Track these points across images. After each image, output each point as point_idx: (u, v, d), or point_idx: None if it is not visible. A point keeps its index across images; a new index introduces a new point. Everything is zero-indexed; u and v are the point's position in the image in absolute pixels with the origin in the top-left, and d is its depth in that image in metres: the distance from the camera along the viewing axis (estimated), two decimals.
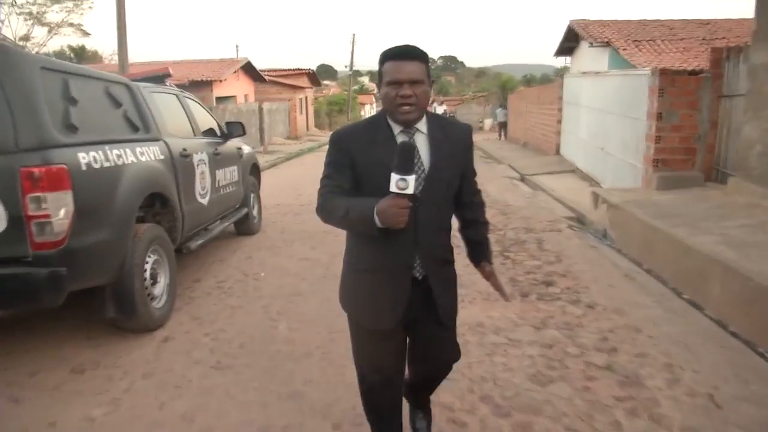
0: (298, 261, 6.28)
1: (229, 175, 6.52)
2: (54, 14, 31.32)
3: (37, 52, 32.05)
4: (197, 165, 5.47)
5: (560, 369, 3.63)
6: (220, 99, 23.41)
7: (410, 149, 2.03)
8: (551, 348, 3.93)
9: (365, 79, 77.60)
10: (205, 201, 5.63)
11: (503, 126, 28.87)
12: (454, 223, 2.43)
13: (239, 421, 3.12)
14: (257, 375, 3.61)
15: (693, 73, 8.62)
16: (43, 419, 3.17)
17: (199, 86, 21.52)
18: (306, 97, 36.15)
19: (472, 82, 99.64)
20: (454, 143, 2.27)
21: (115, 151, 3.97)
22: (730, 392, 3.34)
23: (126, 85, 4.65)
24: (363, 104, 55.20)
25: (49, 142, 3.35)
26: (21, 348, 4.08)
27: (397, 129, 2.18)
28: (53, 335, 4.26)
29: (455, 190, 2.33)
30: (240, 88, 26.86)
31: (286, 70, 35.31)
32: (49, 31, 32.16)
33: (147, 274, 4.27)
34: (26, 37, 31.28)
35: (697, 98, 8.24)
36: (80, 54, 49.11)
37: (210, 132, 6.51)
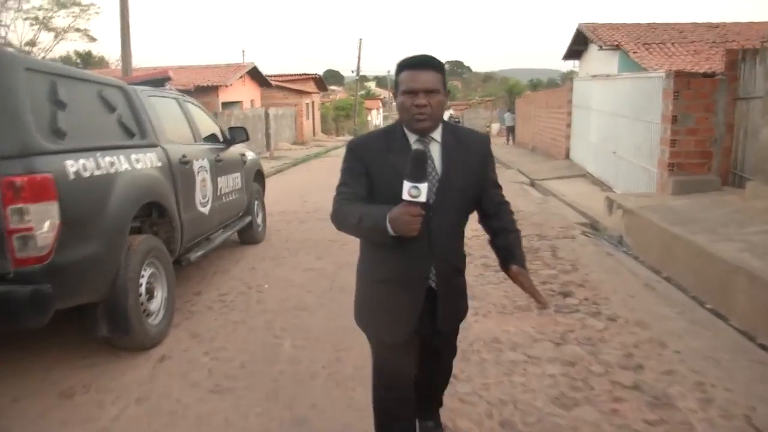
0: (303, 272, 6.03)
1: (231, 182, 6.29)
2: (60, 19, 31.30)
3: (44, 58, 32.06)
4: (198, 172, 5.24)
5: (585, 390, 3.37)
6: (226, 104, 23.23)
7: (422, 157, 2.03)
8: (574, 366, 3.67)
9: (372, 84, 77.56)
10: (206, 210, 5.39)
11: (511, 130, 28.60)
12: (482, 230, 2.44)
13: None
14: (259, 399, 3.36)
15: (707, 75, 8.35)
16: None
17: (204, 91, 21.36)
18: (312, 103, 35.97)
19: (479, 87, 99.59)
20: (469, 152, 2.27)
21: (108, 159, 3.74)
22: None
23: (121, 88, 4.42)
24: (369, 109, 55.08)
25: (33, 149, 3.11)
26: (6, 369, 3.82)
27: (412, 138, 2.20)
28: (44, 355, 4.01)
29: (471, 200, 2.32)
30: (246, 94, 26.69)
31: (292, 75, 35.15)
32: (56, 37, 32.12)
33: (142, 289, 4.04)
34: (32, 43, 31.25)
35: (712, 101, 7.99)
36: (87, 59, 49.15)
37: (212, 138, 6.29)
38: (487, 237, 2.48)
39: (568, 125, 15.85)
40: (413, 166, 1.97)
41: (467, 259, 2.47)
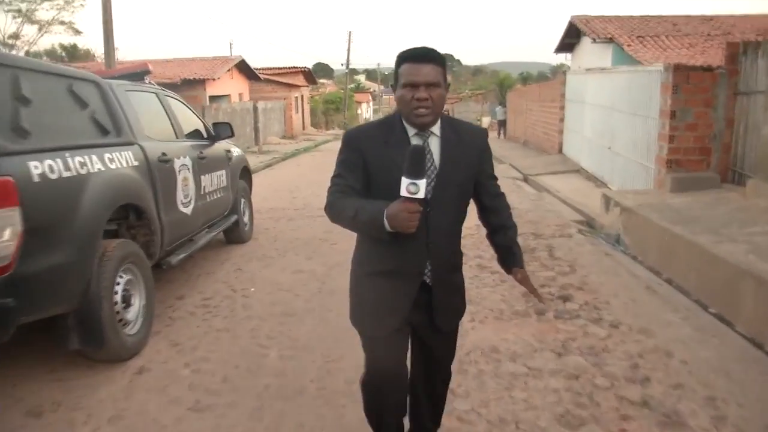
0: (291, 274, 5.78)
1: (216, 180, 6.03)
2: (44, 12, 30.77)
3: (27, 51, 31.52)
4: (179, 170, 4.98)
5: (590, 407, 3.15)
6: (213, 98, 22.88)
7: (421, 153, 1.99)
8: (577, 379, 3.46)
9: (362, 78, 77.11)
10: (188, 210, 5.13)
11: (502, 124, 28.38)
12: (475, 229, 2.18)
13: None
14: (241, 418, 3.12)
15: (707, 69, 8.14)
16: None
17: (191, 85, 21.01)
18: (302, 96, 35.60)
19: (469, 80, 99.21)
20: (468, 146, 2.23)
21: (78, 159, 3.48)
22: None
23: (94, 82, 4.14)
24: (359, 103, 54.71)
25: None
26: None
27: (411, 131, 2.16)
28: (10, 368, 3.73)
29: (468, 195, 2.30)
30: (234, 87, 26.31)
31: (281, 68, 34.74)
32: (40, 29, 31.58)
33: (118, 297, 3.78)
34: (16, 36, 30.72)
35: (712, 95, 7.78)
36: (72, 53, 48.52)
37: (196, 134, 6.02)
38: (482, 234, 2.45)
39: (561, 119, 15.63)
40: (411, 163, 1.93)
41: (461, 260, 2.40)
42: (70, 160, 3.39)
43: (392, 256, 2.17)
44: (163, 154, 4.69)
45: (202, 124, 6.28)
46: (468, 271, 5.69)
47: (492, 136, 29.83)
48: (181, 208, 4.99)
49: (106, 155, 3.82)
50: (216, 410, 3.21)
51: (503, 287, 5.23)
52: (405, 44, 2.24)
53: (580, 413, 3.09)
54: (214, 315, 4.69)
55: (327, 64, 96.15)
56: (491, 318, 4.48)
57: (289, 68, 35.15)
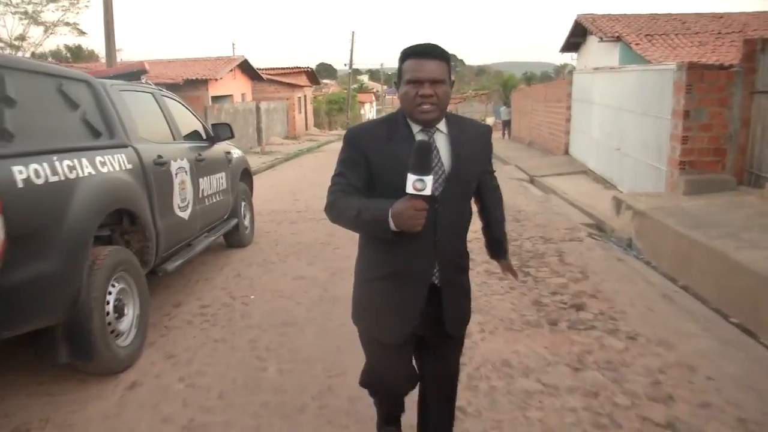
0: (292, 280, 5.58)
1: (215, 183, 5.84)
2: (50, 13, 30.81)
3: (33, 53, 31.51)
4: (176, 173, 4.79)
5: (612, 429, 2.94)
6: (216, 98, 22.70)
7: (428, 148, 1.90)
8: (596, 397, 3.24)
9: (365, 78, 76.92)
10: (185, 214, 4.94)
11: (507, 124, 28.12)
12: (477, 235, 2.38)
13: None
14: None
15: (723, 67, 7.91)
16: None
17: (194, 85, 20.83)
18: (305, 96, 35.41)
19: (472, 80, 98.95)
20: (474, 143, 2.20)
21: (67, 162, 3.28)
22: None
23: (86, 82, 3.95)
24: (363, 103, 54.48)
25: None
26: None
27: (416, 128, 2.10)
28: None
29: (473, 192, 2.28)
30: (237, 87, 26.13)
31: (284, 68, 34.56)
32: (45, 31, 31.57)
33: (110, 307, 3.59)
34: (22, 37, 30.70)
35: (727, 95, 7.55)
36: (77, 53, 48.53)
37: (194, 135, 5.83)
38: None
39: (568, 120, 15.41)
40: (418, 158, 1.85)
41: (469, 264, 2.36)
42: (57, 164, 3.20)
43: (398, 257, 2.10)
44: (159, 156, 4.50)
45: (201, 125, 6.08)
46: (475, 277, 5.50)
47: (496, 136, 29.64)
48: (178, 213, 4.80)
49: (98, 158, 3.63)
50: (211, 430, 3.01)
51: (513, 295, 5.02)
52: (408, 44, 2.09)
53: None
54: (211, 324, 4.50)
55: (330, 65, 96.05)
56: (501, 328, 4.27)
57: (292, 68, 34.97)
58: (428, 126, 2.09)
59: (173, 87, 19.51)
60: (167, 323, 4.52)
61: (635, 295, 5.02)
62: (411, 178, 1.84)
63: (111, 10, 13.23)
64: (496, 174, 2.48)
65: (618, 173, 10.77)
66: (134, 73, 5.21)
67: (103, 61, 33.32)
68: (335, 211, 2.08)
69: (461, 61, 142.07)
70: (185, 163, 5.02)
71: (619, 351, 3.87)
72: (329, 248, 6.66)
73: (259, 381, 3.54)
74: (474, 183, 2.24)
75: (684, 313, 4.60)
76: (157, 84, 5.70)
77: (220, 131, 6.15)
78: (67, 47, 49.33)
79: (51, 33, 31.88)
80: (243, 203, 6.94)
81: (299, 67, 35.71)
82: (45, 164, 3.09)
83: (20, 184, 2.87)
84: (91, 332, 3.31)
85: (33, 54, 30.76)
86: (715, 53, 14.36)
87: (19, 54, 27.31)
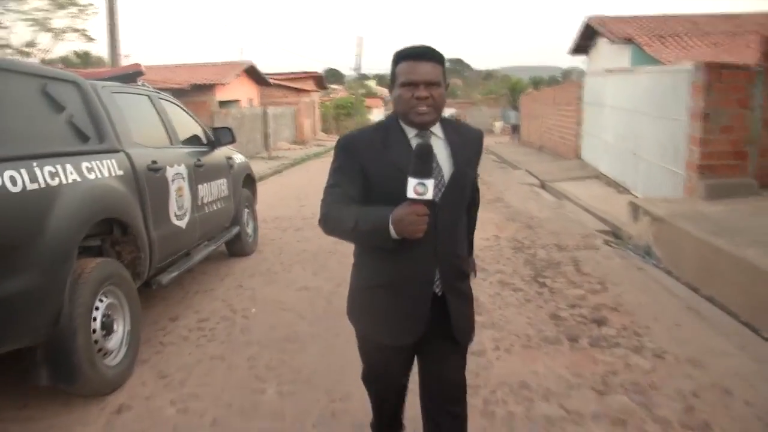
0: (296, 291, 5.31)
1: (216, 189, 5.59)
2: (59, 20, 30.91)
3: (42, 59, 31.58)
4: (172, 180, 4.54)
5: None
6: (223, 103, 22.50)
7: (428, 151, 1.85)
8: (625, 426, 2.96)
9: (372, 83, 76.76)
10: (182, 223, 4.69)
11: (516, 129, 27.80)
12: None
13: None
14: None
15: (742, 67, 7.60)
16: None
17: (201, 90, 20.64)
18: (312, 101, 35.22)
19: (480, 85, 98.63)
20: (469, 147, 2.15)
21: (48, 169, 3.03)
22: None
23: (74, 83, 3.70)
24: (370, 108, 54.28)
25: None
26: None
27: (411, 132, 2.05)
28: None
29: (469, 195, 2.20)
30: (244, 92, 25.94)
31: (292, 73, 34.37)
32: (54, 37, 31.67)
33: (97, 324, 3.34)
34: (32, 44, 30.79)
35: (747, 95, 7.27)
36: (85, 59, 48.60)
37: (194, 140, 5.59)
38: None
39: (579, 123, 15.10)
40: (419, 162, 1.81)
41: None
42: (38, 170, 2.95)
43: (398, 265, 2.03)
44: (154, 162, 4.25)
45: (201, 129, 5.84)
46: (488, 287, 5.22)
47: (505, 140, 29.37)
48: (175, 221, 4.55)
49: (84, 164, 3.38)
50: None
51: (529, 308, 4.74)
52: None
53: None
54: (209, 340, 4.23)
55: (338, 70, 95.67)
56: (518, 345, 3.99)
57: (299, 73, 34.77)
58: (424, 129, 2.04)
59: (180, 92, 19.34)
60: (162, 339, 4.26)
61: (659, 308, 4.73)
62: (412, 182, 1.79)
63: (115, 14, 13.04)
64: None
65: (632, 177, 10.46)
66: (130, 75, 4.98)
67: (110, 66, 33.35)
68: (331, 223, 2.02)
69: (468, 65, 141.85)
70: (183, 169, 4.77)
71: (646, 371, 3.58)
72: (335, 257, 6.39)
73: (257, 405, 3.27)
74: (470, 187, 2.18)
75: (713, 328, 4.31)
76: (163, 89, 5.47)
77: (221, 136, 5.90)
78: (76, 53, 49.48)
79: (60, 39, 32.01)
80: (246, 210, 6.69)
81: (307, 72, 35.51)
82: (23, 171, 2.84)
83: None
84: (74, 352, 3.06)
85: (42, 60, 30.85)
86: (730, 53, 14.00)
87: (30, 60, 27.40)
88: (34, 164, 2.94)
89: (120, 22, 13.32)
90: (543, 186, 12.57)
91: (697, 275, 5.50)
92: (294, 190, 11.93)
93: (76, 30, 32.29)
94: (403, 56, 2.01)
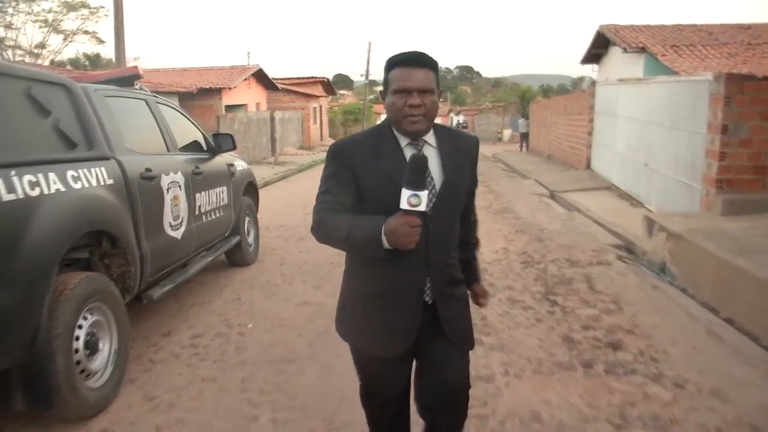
0: (296, 307, 5.09)
1: (215, 197, 5.38)
2: (69, 22, 31.03)
3: (53, 60, 31.65)
4: (168, 188, 4.33)
5: None
6: (230, 107, 22.37)
7: (423, 162, 1.85)
8: None
9: (381, 88, 76.68)
10: (178, 233, 4.48)
11: (525, 137, 27.56)
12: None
13: None
14: None
15: (765, 78, 7.35)
16: None
17: (208, 94, 20.54)
18: (320, 106, 35.09)
19: (489, 92, 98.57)
20: (463, 155, 2.12)
21: (28, 178, 2.83)
22: None
23: (62, 85, 3.50)
24: (379, 114, 54.17)
25: None
26: None
27: (403, 141, 2.03)
28: None
29: (462, 206, 2.15)
30: (251, 96, 25.83)
31: (299, 78, 34.26)
32: (65, 39, 31.76)
33: (80, 344, 3.13)
34: (42, 45, 30.89)
35: None
36: (95, 61, 48.72)
37: (194, 146, 5.39)
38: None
39: (590, 133, 14.85)
40: (413, 173, 1.80)
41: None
42: (15, 179, 2.74)
43: (388, 275, 2.02)
44: (147, 170, 4.04)
45: (201, 135, 5.64)
46: (497, 305, 4.99)
47: (513, 148, 29.13)
48: (170, 232, 4.34)
49: (69, 173, 3.17)
50: None
51: (540, 328, 4.50)
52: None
53: None
54: (201, 358, 4.01)
55: (347, 75, 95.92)
56: (529, 371, 3.75)
57: (307, 78, 34.66)
58: (416, 137, 2.01)
59: (187, 95, 19.23)
60: (153, 356, 4.05)
61: (676, 331, 4.49)
62: (406, 193, 1.78)
63: (121, 15, 12.93)
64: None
65: (645, 190, 10.20)
66: (127, 78, 4.78)
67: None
68: (323, 231, 1.98)
69: (478, 73, 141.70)
70: (179, 177, 4.57)
71: (666, 403, 3.33)
72: (338, 270, 6.11)
73: None
74: (463, 197, 2.14)
75: (735, 354, 4.06)
76: (170, 92, 5.28)
77: (222, 142, 5.71)
78: (85, 55, 49.66)
79: (70, 41, 32.11)
80: (247, 219, 6.48)
81: (315, 77, 35.40)
82: None
83: None
84: (52, 375, 2.85)
85: (52, 62, 30.92)
86: (746, 65, 13.75)
87: (38, 62, 27.37)
88: (12, 173, 2.74)
89: (127, 24, 13.22)
90: (552, 196, 12.32)
91: (715, 295, 5.25)
92: (299, 197, 11.72)
93: (86, 32, 32.44)
94: (396, 62, 1.97)
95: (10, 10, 26.70)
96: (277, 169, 17.88)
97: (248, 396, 3.46)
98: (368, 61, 44.09)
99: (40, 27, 30.25)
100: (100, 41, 34.97)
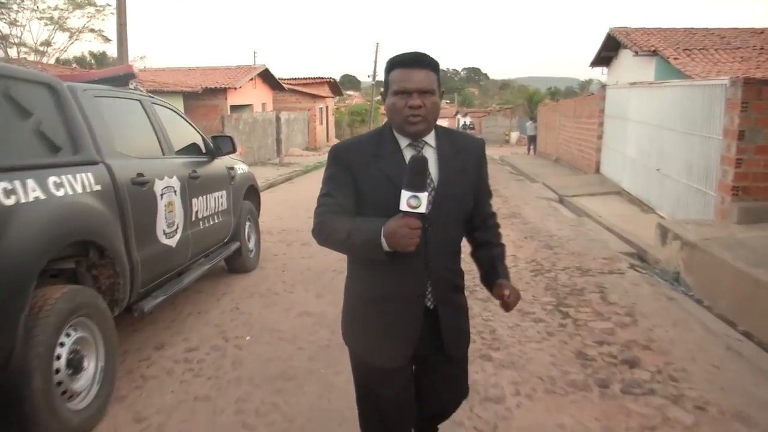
0: (296, 317, 4.88)
1: (213, 203, 5.18)
2: (75, 20, 30.94)
3: (58, 58, 31.57)
4: (161, 194, 4.13)
5: None
6: (235, 107, 22.21)
7: (423, 163, 1.83)
8: None
9: None
10: (172, 241, 4.28)
11: (532, 140, 27.29)
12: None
13: None
14: None
15: None
16: None
17: (213, 93, 20.38)
18: (327, 107, 34.92)
19: (496, 94, 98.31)
20: (465, 158, 2.07)
21: (3, 185, 2.63)
22: None
23: (46, 85, 3.30)
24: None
25: None
26: None
27: (404, 142, 2.00)
28: None
29: (468, 210, 2.11)
30: (257, 97, 25.66)
31: (306, 78, 34.10)
32: (70, 37, 31.69)
33: (61, 363, 2.93)
34: (47, 43, 30.83)
35: None
36: (101, 60, 48.73)
37: (192, 149, 5.20)
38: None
39: (600, 136, 14.62)
40: (413, 174, 1.80)
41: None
42: None
43: (388, 279, 2.00)
44: (139, 174, 3.84)
45: (200, 137, 5.44)
46: (507, 317, 4.78)
47: (521, 151, 28.87)
48: (163, 240, 4.14)
49: (51, 179, 2.97)
50: None
51: (551, 343, 4.29)
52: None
53: None
54: (195, 375, 3.81)
55: (354, 76, 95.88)
56: (541, 391, 3.53)
57: (314, 78, 34.50)
58: (416, 139, 1.99)
59: (192, 95, 19.07)
60: (144, 371, 3.84)
61: (694, 346, 4.26)
62: (405, 194, 1.77)
63: (124, 16, 12.78)
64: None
65: (657, 196, 9.97)
66: (121, 77, 4.59)
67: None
68: (324, 233, 1.98)
69: (485, 75, 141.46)
70: (174, 182, 4.37)
71: (688, 428, 3.11)
72: (341, 277, 5.90)
73: None
74: (467, 201, 2.09)
75: (757, 373, 3.83)
76: (175, 92, 5.09)
77: (222, 144, 5.51)
78: (91, 54, 49.71)
79: (76, 39, 32.03)
80: (248, 224, 6.28)
81: (322, 78, 35.23)
82: None
83: None
84: (28, 399, 2.64)
85: (57, 60, 30.84)
86: (759, 69, 13.48)
87: (44, 60, 27.28)
88: None
89: (133, 23, 13.10)
90: (561, 201, 12.09)
91: (732, 308, 5.03)
92: (304, 200, 11.50)
93: (92, 30, 32.34)
94: (396, 63, 1.95)
95: (15, 7, 26.57)
96: (282, 171, 17.69)
97: (243, 418, 3.25)
98: (375, 62, 43.92)
99: (46, 24, 30.16)
100: (107, 39, 34.86)
